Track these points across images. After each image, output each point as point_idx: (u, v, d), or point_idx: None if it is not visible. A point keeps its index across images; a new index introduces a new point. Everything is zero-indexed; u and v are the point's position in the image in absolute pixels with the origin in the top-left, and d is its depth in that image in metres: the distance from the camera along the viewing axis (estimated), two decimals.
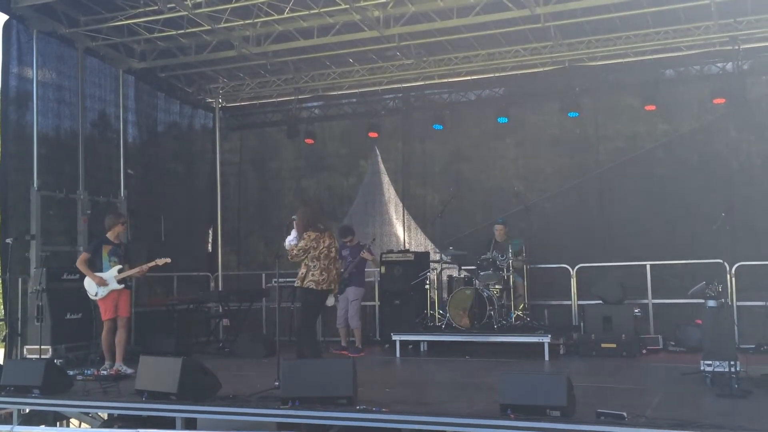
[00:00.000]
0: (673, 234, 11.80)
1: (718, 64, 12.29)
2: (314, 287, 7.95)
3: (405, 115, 14.39)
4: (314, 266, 7.93)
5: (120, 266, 9.18)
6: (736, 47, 11.46)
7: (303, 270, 7.95)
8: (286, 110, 14.94)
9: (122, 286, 9.17)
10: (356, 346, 10.77)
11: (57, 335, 9.94)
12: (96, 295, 9.12)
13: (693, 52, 12.17)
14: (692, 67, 12.57)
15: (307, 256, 7.91)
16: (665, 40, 11.89)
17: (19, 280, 10.44)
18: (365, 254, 10.81)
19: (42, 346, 9.40)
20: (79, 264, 9.23)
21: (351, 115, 14.97)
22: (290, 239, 8.18)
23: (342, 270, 10.65)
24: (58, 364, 8.86)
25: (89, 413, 7.53)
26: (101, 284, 9.06)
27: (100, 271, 9.12)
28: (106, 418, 7.57)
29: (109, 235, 9.36)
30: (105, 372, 8.70)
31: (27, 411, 7.81)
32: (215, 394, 6.86)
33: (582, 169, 12.92)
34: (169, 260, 9.37)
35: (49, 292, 9.90)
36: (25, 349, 10.11)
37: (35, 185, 10.68)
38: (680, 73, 12.71)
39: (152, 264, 9.26)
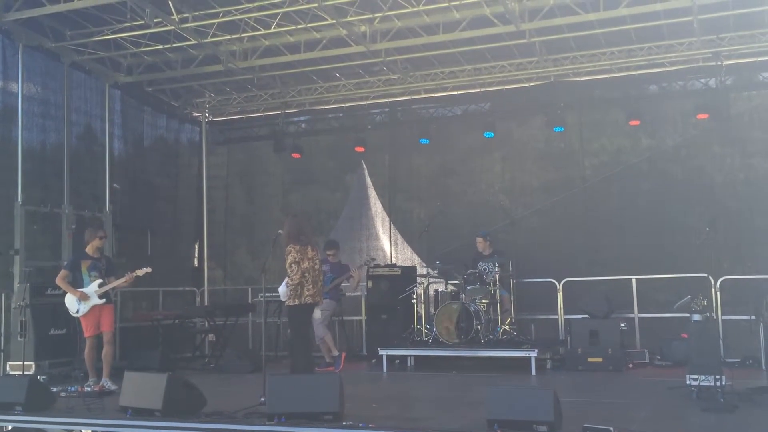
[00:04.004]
0: (658, 248, 11.86)
1: (702, 80, 12.44)
2: (311, 301, 7.97)
3: (391, 130, 14.44)
4: (306, 281, 7.93)
5: (100, 280, 9.09)
6: (719, 63, 11.60)
7: (293, 286, 7.89)
8: (273, 124, 14.94)
9: (103, 301, 9.08)
10: (333, 354, 10.50)
11: (40, 351, 9.85)
12: (77, 312, 9.03)
13: (676, 67, 12.33)
14: (676, 82, 12.72)
15: (300, 270, 7.88)
16: (649, 56, 12.03)
17: (2, 295, 10.35)
18: (356, 273, 10.81)
19: (25, 362, 9.31)
20: (59, 281, 9.14)
21: (338, 129, 15.00)
22: (282, 289, 8.19)
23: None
24: (42, 380, 8.77)
25: (73, 430, 7.43)
26: (84, 299, 8.97)
27: (81, 287, 9.04)
28: None
29: (88, 249, 9.28)
30: (89, 388, 8.61)
31: (9, 428, 7.72)
32: (200, 411, 6.81)
33: (567, 183, 12.99)
34: (149, 270, 9.27)
35: (32, 308, 9.82)
36: (8, 366, 9.99)
37: (19, 200, 10.60)
38: (664, 89, 12.86)
39: (132, 275, 9.15)
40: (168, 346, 11.42)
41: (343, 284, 11.13)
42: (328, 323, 10.72)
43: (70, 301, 9.07)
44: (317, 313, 8.52)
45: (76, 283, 9.07)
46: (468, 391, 8.39)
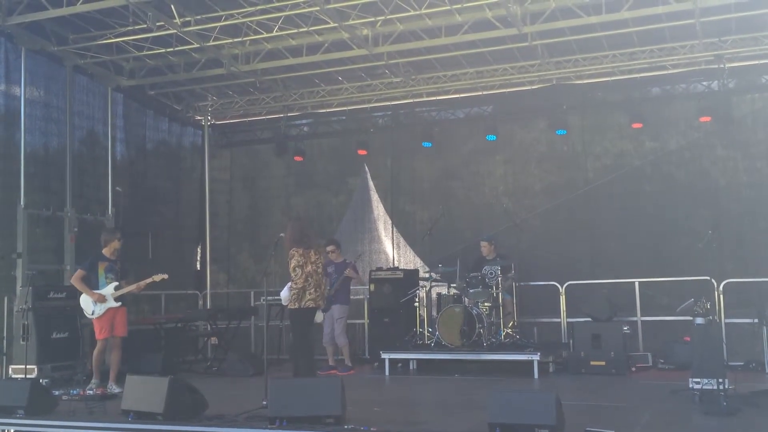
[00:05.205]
0: (661, 251, 11.85)
1: (704, 83, 12.42)
2: (312, 305, 7.95)
3: (394, 133, 14.43)
4: (309, 285, 7.91)
5: (116, 283, 9.09)
6: (721, 66, 11.59)
7: (297, 290, 7.87)
8: (276, 128, 14.96)
9: (119, 303, 9.09)
10: (345, 363, 10.74)
11: (43, 354, 9.82)
12: (93, 314, 9.02)
13: (679, 70, 12.29)
14: (678, 85, 12.70)
15: (304, 274, 7.87)
16: (651, 59, 12.01)
17: (5, 298, 10.35)
18: (349, 272, 10.79)
19: (27, 366, 9.31)
20: (75, 281, 9.13)
21: (340, 132, 15.01)
22: (284, 293, 8.18)
23: (327, 287, 10.63)
24: (44, 383, 8.78)
25: None
26: (101, 301, 8.95)
27: (96, 288, 9.03)
28: None
29: (105, 251, 9.28)
30: (91, 392, 8.60)
31: None
32: (202, 414, 6.81)
33: (570, 186, 12.98)
34: (166, 276, 9.29)
35: (35, 311, 9.83)
36: (10, 369, 9.99)
37: (22, 203, 10.62)
38: (666, 92, 12.84)
39: (149, 280, 9.18)
40: (170, 350, 11.41)
41: (352, 286, 11.16)
42: (346, 330, 10.83)
43: (86, 303, 9.06)
44: (319, 317, 8.51)
45: (91, 284, 9.07)
46: (470, 395, 8.37)
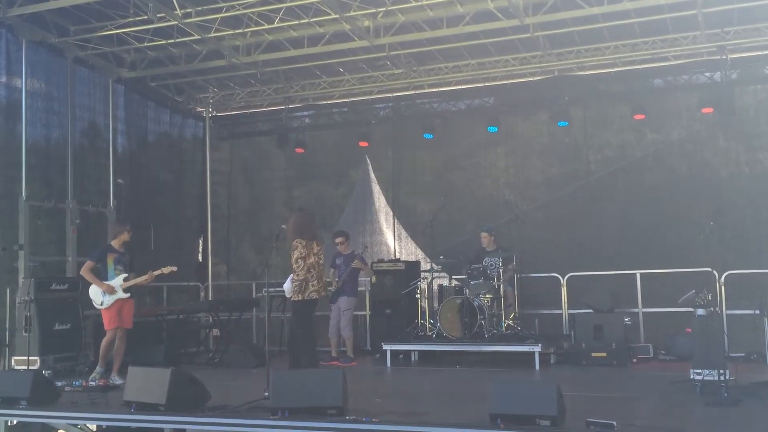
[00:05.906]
0: (662, 243, 11.84)
1: (706, 74, 12.40)
2: (315, 297, 7.98)
3: (395, 124, 14.42)
4: (312, 276, 7.95)
5: (125, 275, 9.11)
6: (724, 57, 11.55)
7: (299, 281, 7.89)
8: (277, 119, 14.95)
9: (128, 295, 9.11)
10: (348, 355, 10.76)
11: (45, 346, 9.85)
12: (102, 304, 9.03)
13: (681, 61, 12.28)
14: (680, 76, 12.68)
15: (306, 265, 7.89)
16: (653, 50, 11.98)
17: (7, 290, 10.37)
18: (357, 263, 10.81)
19: (30, 357, 9.34)
20: (84, 272, 9.14)
21: (341, 124, 15.00)
22: (287, 285, 8.18)
23: (336, 278, 10.67)
24: (47, 375, 8.81)
25: (77, 425, 7.45)
26: (109, 292, 8.97)
27: (105, 280, 9.05)
28: (94, 429, 7.51)
29: (114, 243, 9.30)
30: (93, 383, 8.63)
31: (14, 423, 7.75)
32: (204, 405, 6.81)
33: (572, 178, 12.97)
34: (175, 269, 9.31)
35: (37, 303, 9.85)
36: (12, 360, 10.02)
37: (24, 195, 10.62)
38: (669, 83, 12.82)
39: (158, 272, 9.19)
40: (172, 341, 11.43)
41: (360, 278, 11.17)
42: (352, 323, 10.88)
43: (95, 293, 9.06)
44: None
45: (100, 275, 9.08)
46: (471, 386, 8.38)
